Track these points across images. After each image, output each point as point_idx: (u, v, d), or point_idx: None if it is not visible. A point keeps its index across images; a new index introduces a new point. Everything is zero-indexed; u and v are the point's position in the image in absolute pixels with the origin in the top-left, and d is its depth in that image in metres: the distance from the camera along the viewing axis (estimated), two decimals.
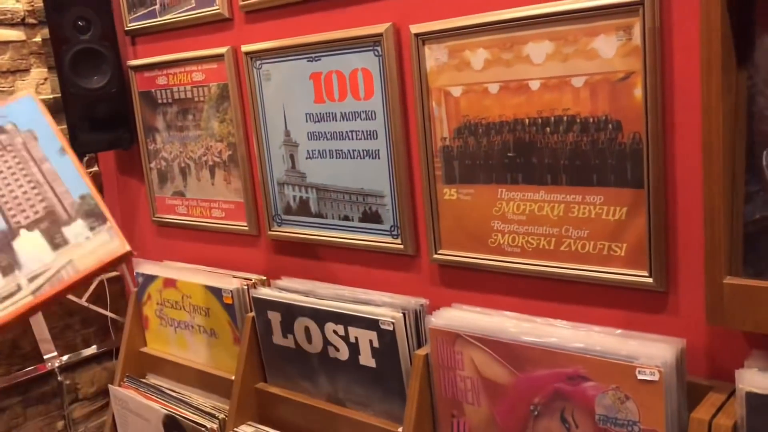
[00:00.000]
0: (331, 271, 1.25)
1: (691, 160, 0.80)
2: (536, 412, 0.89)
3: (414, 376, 1.00)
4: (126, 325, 1.51)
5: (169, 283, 1.41)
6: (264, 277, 1.32)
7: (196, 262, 1.47)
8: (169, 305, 1.42)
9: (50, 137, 1.02)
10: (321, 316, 1.12)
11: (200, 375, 1.37)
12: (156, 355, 1.48)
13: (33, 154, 1.03)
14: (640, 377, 0.78)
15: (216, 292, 1.31)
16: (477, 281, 1.03)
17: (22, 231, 0.97)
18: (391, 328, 1.02)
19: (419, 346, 1.04)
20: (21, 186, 1.01)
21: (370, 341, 1.06)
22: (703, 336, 0.83)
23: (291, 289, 1.21)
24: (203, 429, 1.26)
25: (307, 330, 1.15)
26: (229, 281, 1.31)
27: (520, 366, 0.89)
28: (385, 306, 1.07)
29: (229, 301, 1.29)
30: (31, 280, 0.94)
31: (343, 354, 1.10)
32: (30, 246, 0.96)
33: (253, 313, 1.24)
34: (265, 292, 1.22)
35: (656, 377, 0.77)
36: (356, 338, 1.08)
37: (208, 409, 1.32)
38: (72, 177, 1.00)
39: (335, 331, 1.10)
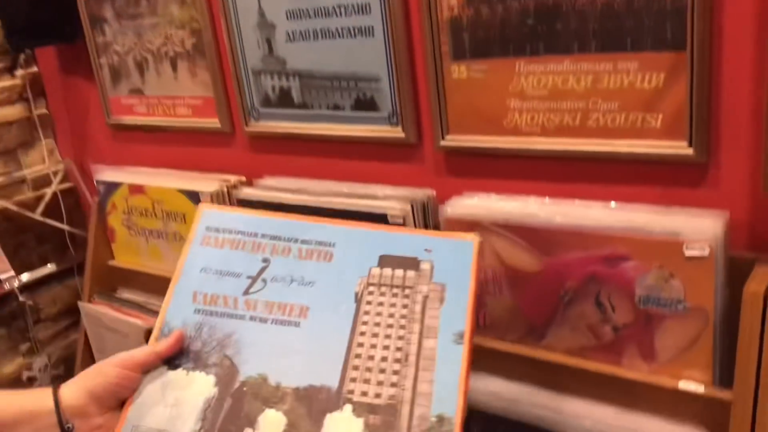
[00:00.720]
0: (320, 168, 1.15)
1: (743, 12, 0.73)
2: (567, 298, 0.84)
3: None
4: (90, 238, 1.39)
5: (136, 189, 1.29)
6: (243, 178, 1.22)
7: (163, 167, 1.34)
8: (137, 213, 1.31)
9: (458, 308, 0.69)
10: (318, 215, 1.03)
11: None
12: (126, 268, 1.38)
13: (426, 316, 0.69)
14: (688, 254, 0.74)
15: (192, 195, 1.20)
16: (490, 167, 0.96)
17: (346, 407, 0.66)
18: (400, 222, 0.95)
19: None
20: (386, 348, 0.69)
21: None
22: (746, 209, 0.78)
23: (279, 188, 1.11)
24: None
25: None
26: (206, 183, 1.19)
27: (549, 251, 0.84)
28: (389, 199, 0.98)
29: None
30: None
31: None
32: None
33: None
34: (249, 193, 1.12)
35: (706, 252, 0.73)
36: None
37: None
38: (446, 383, 0.65)
39: None
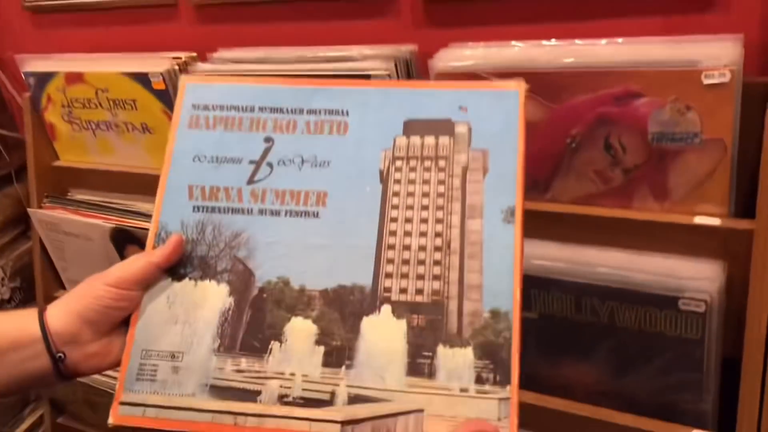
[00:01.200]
0: (281, 33, 1.04)
1: None
2: (574, 145, 0.80)
3: None
4: (27, 138, 1.26)
5: (74, 78, 1.15)
6: (194, 54, 1.10)
7: (96, 51, 1.20)
8: (79, 105, 1.18)
9: (505, 178, 0.58)
10: None
11: (139, 179, 1.18)
12: (75, 167, 1.26)
13: (467, 192, 0.58)
14: (706, 82, 0.70)
15: (141, 78, 1.08)
16: (478, 13, 0.88)
17: (384, 308, 0.57)
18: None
19: None
20: (423, 234, 0.58)
21: None
22: (761, 31, 0.74)
23: (239, 59, 1.01)
24: None
25: None
26: (155, 63, 1.07)
27: (554, 97, 0.78)
28: (368, 59, 0.90)
29: (161, 86, 1.07)
30: (352, 400, 0.54)
31: None
32: (380, 340, 0.56)
33: None
34: (205, 68, 1.01)
35: (726, 78, 0.69)
36: None
37: None
38: (498, 271, 0.55)
39: None
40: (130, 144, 1.17)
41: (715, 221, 0.75)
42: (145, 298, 0.61)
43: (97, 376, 1.20)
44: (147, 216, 1.16)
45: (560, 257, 0.82)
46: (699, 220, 0.76)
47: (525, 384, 0.86)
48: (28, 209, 1.25)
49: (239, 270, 0.60)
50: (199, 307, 0.60)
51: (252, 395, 0.55)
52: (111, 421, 0.57)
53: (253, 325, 0.58)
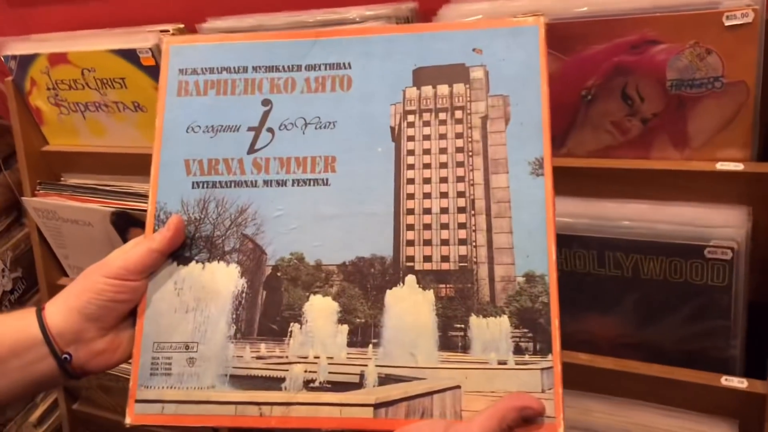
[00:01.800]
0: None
1: None
2: (589, 97, 0.78)
3: None
4: (13, 124, 1.21)
5: (58, 59, 1.10)
6: (182, 25, 1.05)
7: (77, 29, 1.15)
8: (65, 87, 1.13)
9: (529, 126, 0.52)
10: None
11: (134, 159, 1.15)
12: (66, 151, 1.22)
13: (488, 143, 0.53)
14: (728, 23, 0.67)
15: (129, 55, 1.04)
16: None
17: (409, 279, 0.52)
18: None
19: None
20: (444, 195, 0.53)
21: None
22: None
23: (230, 29, 0.97)
24: None
25: None
26: (142, 38, 1.03)
27: (568, 49, 0.76)
28: (367, 21, 0.87)
29: (150, 62, 1.03)
30: (383, 381, 0.50)
31: None
32: (407, 314, 0.52)
33: None
34: None
35: (750, 18, 0.66)
36: None
37: None
38: (530, 230, 0.51)
39: None
40: (122, 124, 1.13)
41: (738, 166, 0.73)
42: (151, 286, 0.57)
43: None
44: (146, 197, 1.12)
45: (580, 213, 0.80)
46: (721, 166, 0.74)
47: None
48: (23, 198, 1.22)
49: (249, 248, 0.56)
50: (210, 291, 0.56)
51: (276, 383, 0.52)
52: (128, 420, 0.55)
53: (269, 307, 0.54)
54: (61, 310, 0.56)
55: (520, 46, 0.54)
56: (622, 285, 0.81)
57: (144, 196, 1.13)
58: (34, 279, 1.35)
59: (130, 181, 1.17)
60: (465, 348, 0.50)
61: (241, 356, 0.54)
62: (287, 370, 0.52)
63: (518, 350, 0.50)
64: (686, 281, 0.77)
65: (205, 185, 0.58)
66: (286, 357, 0.53)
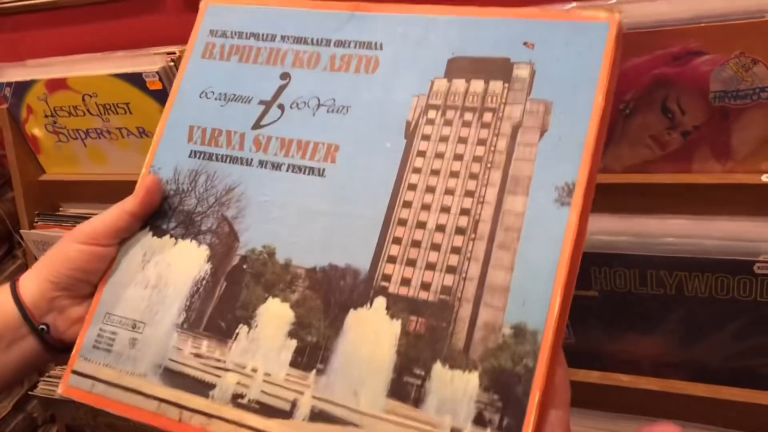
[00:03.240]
0: None
1: None
2: (627, 111, 0.75)
3: None
4: (9, 154, 1.16)
5: (56, 85, 1.06)
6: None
7: (75, 52, 1.11)
8: (64, 114, 1.09)
9: (569, 143, 0.41)
10: None
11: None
12: (65, 180, 1.17)
13: (514, 157, 0.43)
14: None
15: (134, 79, 0.99)
16: None
17: (378, 302, 0.44)
18: None
19: None
20: (446, 210, 0.44)
21: None
22: None
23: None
24: None
25: None
26: (147, 61, 0.99)
27: None
28: None
29: (157, 86, 0.99)
30: (314, 417, 0.43)
31: None
32: (365, 342, 0.43)
33: None
34: None
35: None
36: None
37: None
38: (536, 270, 0.40)
39: None
40: (125, 151, 1.09)
41: None
42: (120, 252, 0.52)
43: None
44: None
45: (620, 230, 0.78)
46: (767, 178, 0.72)
47: (589, 362, 0.84)
48: (21, 231, 1.16)
49: (224, 232, 0.50)
50: (174, 271, 0.51)
51: (205, 388, 0.46)
52: (59, 390, 0.51)
53: (224, 301, 0.48)
54: (33, 281, 0.53)
55: (583, 44, 0.43)
56: (665, 303, 0.78)
57: None
58: None
59: None
60: (417, 401, 0.40)
61: (181, 349, 0.48)
62: (220, 377, 0.46)
63: (479, 420, 0.39)
64: (733, 298, 0.75)
65: (202, 156, 0.53)
66: (224, 362, 0.46)
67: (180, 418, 0.46)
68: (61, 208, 1.20)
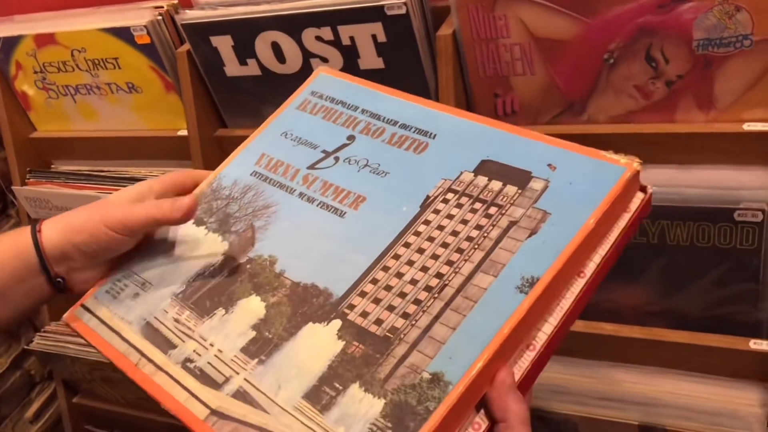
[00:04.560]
0: None
1: None
2: (612, 60, 0.76)
3: (442, 63, 0.82)
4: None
5: (45, 40, 1.06)
6: (175, 0, 1.01)
7: (63, 7, 1.10)
8: (53, 69, 1.09)
9: (548, 247, 0.47)
10: (295, 24, 0.87)
11: (129, 143, 1.11)
12: (56, 137, 1.17)
13: (498, 246, 0.49)
14: None
15: (122, 33, 0.99)
16: None
17: (334, 323, 0.50)
18: (403, 11, 0.81)
19: (433, 29, 0.85)
20: (424, 270, 0.50)
21: (374, 37, 0.84)
22: None
23: (229, 2, 0.93)
24: None
25: (276, 47, 0.90)
26: (135, 15, 0.98)
27: (589, 10, 0.73)
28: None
29: (146, 40, 0.99)
30: (237, 395, 0.49)
31: (335, 62, 0.89)
32: (307, 351, 0.49)
33: (186, 46, 0.96)
34: (196, 15, 0.93)
35: None
36: (352, 38, 0.85)
37: None
38: (473, 336, 0.45)
39: (319, 38, 0.87)
40: (115, 106, 1.09)
41: (766, 126, 0.72)
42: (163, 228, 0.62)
43: None
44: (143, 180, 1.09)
45: None
46: (749, 126, 0.73)
47: None
48: (13, 187, 1.17)
49: (246, 236, 0.58)
50: (194, 253, 0.59)
51: (168, 346, 0.53)
52: (64, 317, 0.59)
53: (219, 287, 0.56)
54: (55, 234, 0.57)
55: (596, 177, 0.49)
56: (647, 252, 0.80)
57: (140, 180, 1.09)
58: None
59: (126, 166, 1.13)
60: (324, 408, 0.45)
61: (167, 312, 0.55)
62: (183, 342, 0.53)
63: None
64: (714, 246, 0.76)
65: (260, 177, 0.63)
66: (193, 331, 0.53)
67: (137, 362, 0.53)
68: (53, 165, 1.21)
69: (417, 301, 0.48)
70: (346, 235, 0.55)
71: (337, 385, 0.46)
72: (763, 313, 0.78)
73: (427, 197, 0.54)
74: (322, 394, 0.46)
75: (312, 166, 0.61)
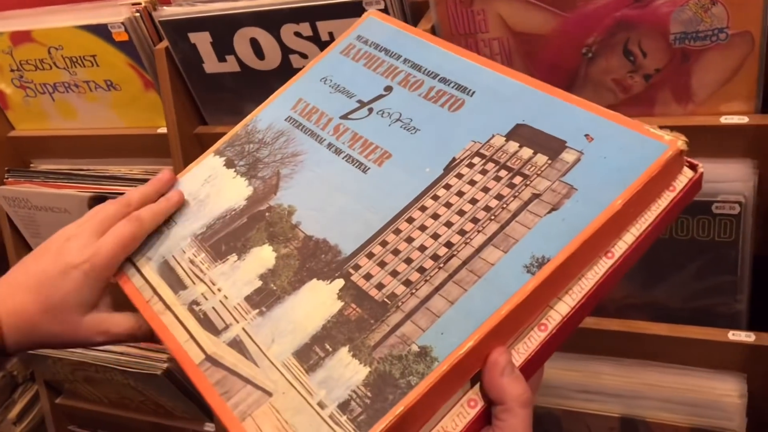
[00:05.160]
0: None
1: None
2: (590, 54, 0.76)
3: None
4: None
5: (21, 37, 1.04)
6: None
7: (39, 4, 1.09)
8: (30, 67, 1.07)
9: (567, 227, 0.44)
10: (273, 20, 0.87)
11: (109, 141, 1.10)
12: (35, 136, 1.16)
13: (514, 220, 0.46)
14: None
15: (100, 30, 0.98)
16: None
17: (337, 282, 0.49)
18: (381, 7, 0.80)
19: (412, 24, 0.84)
20: (435, 237, 0.47)
21: None
22: None
23: None
24: None
25: (255, 43, 0.90)
26: (113, 12, 0.97)
27: (568, 5, 0.74)
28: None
29: (123, 37, 0.98)
30: (233, 344, 0.49)
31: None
32: (305, 307, 0.48)
33: (165, 43, 0.96)
34: (174, 11, 0.92)
35: None
36: (331, 34, 0.85)
37: (140, 176, 1.08)
38: (470, 313, 0.43)
39: (298, 33, 0.87)
40: (94, 104, 1.08)
41: (742, 119, 0.73)
42: (197, 167, 0.63)
43: (96, 353, 1.15)
44: (124, 180, 1.08)
45: None
46: (726, 119, 0.73)
47: None
48: None
49: (271, 183, 0.58)
50: (220, 196, 0.59)
51: (179, 287, 0.54)
52: None
53: (236, 232, 0.55)
54: (24, 342, 0.54)
55: (634, 153, 0.45)
56: None
57: (121, 179, 1.08)
58: (6, 269, 1.29)
59: (107, 164, 1.12)
60: (311, 369, 0.44)
61: (185, 252, 0.56)
62: (195, 284, 0.53)
63: (344, 406, 0.42)
64: (693, 238, 0.77)
65: (294, 123, 0.61)
66: (204, 275, 0.54)
67: (149, 300, 0.54)
68: (32, 164, 1.20)
69: (421, 269, 0.46)
70: (366, 192, 0.53)
71: (328, 347, 0.45)
72: (741, 305, 0.79)
73: (453, 159, 0.51)
74: (311, 353, 0.45)
75: (345, 116, 0.59)
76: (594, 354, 0.86)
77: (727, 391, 0.80)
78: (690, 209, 0.75)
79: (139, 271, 0.56)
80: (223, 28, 0.89)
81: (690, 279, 0.80)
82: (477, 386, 0.42)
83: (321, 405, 0.43)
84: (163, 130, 1.02)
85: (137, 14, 0.97)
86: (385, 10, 0.80)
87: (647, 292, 0.83)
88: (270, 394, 0.45)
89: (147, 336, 0.55)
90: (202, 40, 0.92)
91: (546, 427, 0.90)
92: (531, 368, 0.43)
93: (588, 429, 0.88)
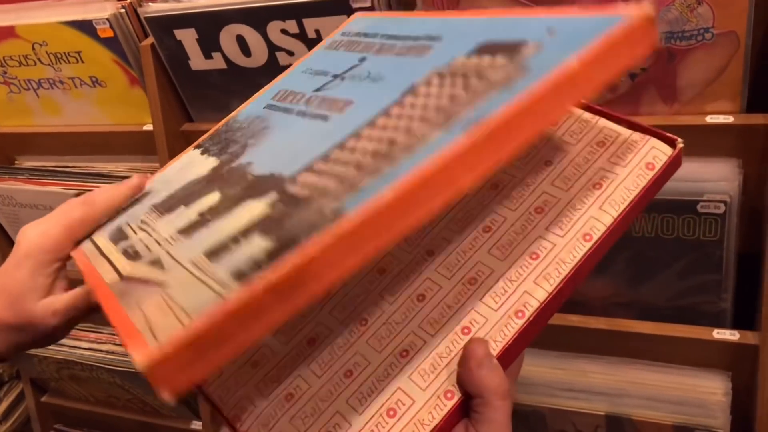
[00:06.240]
0: None
1: None
2: None
3: None
4: None
5: (5, 33, 1.03)
6: None
7: (24, 0, 1.07)
8: (14, 63, 1.06)
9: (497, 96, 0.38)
10: (259, 17, 0.86)
11: (94, 138, 1.09)
12: (19, 132, 1.15)
13: (456, 101, 0.40)
14: None
15: (84, 26, 0.97)
16: None
17: (270, 194, 0.43)
18: (368, 4, 0.80)
19: None
20: (380, 140, 0.42)
21: None
22: None
23: None
24: None
25: (241, 40, 0.89)
26: (97, 7, 0.96)
27: (554, 5, 0.74)
28: None
29: (108, 34, 0.97)
30: (153, 263, 0.46)
31: (301, 56, 0.88)
32: (232, 220, 0.44)
33: (150, 40, 0.95)
34: (159, 8, 0.92)
35: None
36: (317, 31, 0.85)
37: (126, 174, 1.07)
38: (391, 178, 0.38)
39: (284, 31, 0.86)
40: (79, 101, 1.07)
41: (728, 119, 0.73)
42: (180, 160, 0.61)
43: (82, 351, 1.14)
44: (110, 177, 1.07)
45: None
46: (711, 119, 0.74)
47: None
48: None
49: (236, 154, 0.55)
50: (187, 171, 0.57)
51: (122, 240, 0.51)
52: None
53: (192, 193, 0.52)
54: None
55: (584, 30, 0.39)
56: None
57: (107, 176, 1.08)
58: None
59: (92, 161, 1.11)
60: (217, 258, 0.40)
61: (139, 218, 0.53)
62: (135, 234, 0.50)
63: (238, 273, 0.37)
64: (678, 237, 0.77)
65: (272, 108, 0.59)
66: (149, 226, 0.50)
67: (95, 262, 0.49)
68: (16, 161, 1.19)
69: (358, 165, 0.40)
70: (322, 133, 0.48)
71: (241, 239, 0.40)
72: (726, 303, 0.80)
73: (412, 85, 0.46)
74: (223, 248, 0.41)
75: (318, 89, 0.56)
76: (580, 352, 0.87)
77: (711, 389, 0.81)
78: (675, 208, 0.75)
79: (93, 242, 0.53)
80: (209, 24, 0.89)
81: (675, 278, 0.80)
82: (453, 377, 0.41)
83: (214, 278, 0.38)
84: (149, 127, 1.01)
85: (122, 10, 0.96)
86: (371, 9, 0.80)
87: (633, 290, 0.83)
88: (165, 286, 0.41)
89: (94, 304, 0.53)
90: (188, 37, 0.91)
91: (532, 425, 0.91)
92: (509, 357, 0.41)
93: (574, 427, 0.89)
